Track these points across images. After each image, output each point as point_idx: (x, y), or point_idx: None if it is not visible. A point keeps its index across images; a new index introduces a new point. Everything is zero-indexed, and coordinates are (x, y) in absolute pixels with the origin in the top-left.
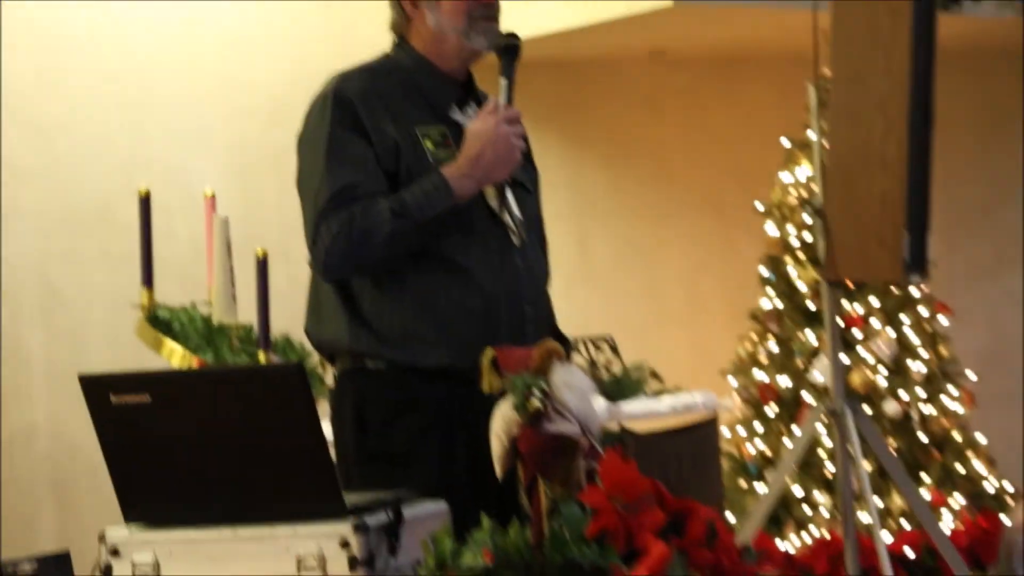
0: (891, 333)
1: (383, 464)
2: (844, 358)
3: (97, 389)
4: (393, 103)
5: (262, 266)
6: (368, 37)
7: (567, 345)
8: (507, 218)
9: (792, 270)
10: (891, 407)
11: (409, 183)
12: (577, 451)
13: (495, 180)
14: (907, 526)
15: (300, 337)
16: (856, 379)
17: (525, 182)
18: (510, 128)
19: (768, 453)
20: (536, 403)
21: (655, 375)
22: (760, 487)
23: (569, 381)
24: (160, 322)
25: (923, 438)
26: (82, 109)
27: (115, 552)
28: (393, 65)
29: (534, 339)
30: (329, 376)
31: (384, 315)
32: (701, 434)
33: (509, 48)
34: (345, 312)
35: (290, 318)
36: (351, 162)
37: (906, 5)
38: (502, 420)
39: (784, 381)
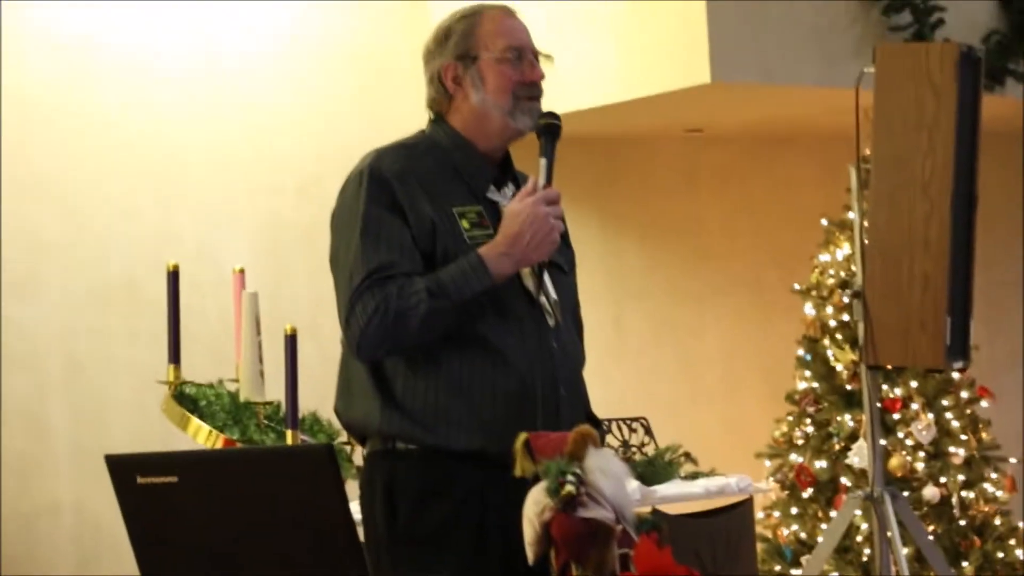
0: (931, 417)
1: (413, 548)
2: (882, 442)
3: (124, 470)
4: (430, 182)
5: (291, 343)
6: (401, 113)
7: (601, 429)
8: (543, 299)
9: (830, 351)
10: (930, 492)
11: (446, 264)
12: (611, 537)
13: (533, 261)
14: None
15: (329, 415)
16: (895, 463)
17: (561, 263)
18: (549, 208)
19: (804, 537)
20: (570, 488)
21: (689, 457)
22: (796, 572)
23: (603, 466)
24: (186, 399)
25: (963, 524)
26: (109, 183)
27: None
28: (430, 143)
29: (568, 423)
30: (358, 456)
31: (416, 396)
32: (735, 517)
33: (549, 128)
34: (377, 393)
35: (319, 396)
36: (387, 241)
37: (951, 87)
38: (535, 505)
39: (821, 464)
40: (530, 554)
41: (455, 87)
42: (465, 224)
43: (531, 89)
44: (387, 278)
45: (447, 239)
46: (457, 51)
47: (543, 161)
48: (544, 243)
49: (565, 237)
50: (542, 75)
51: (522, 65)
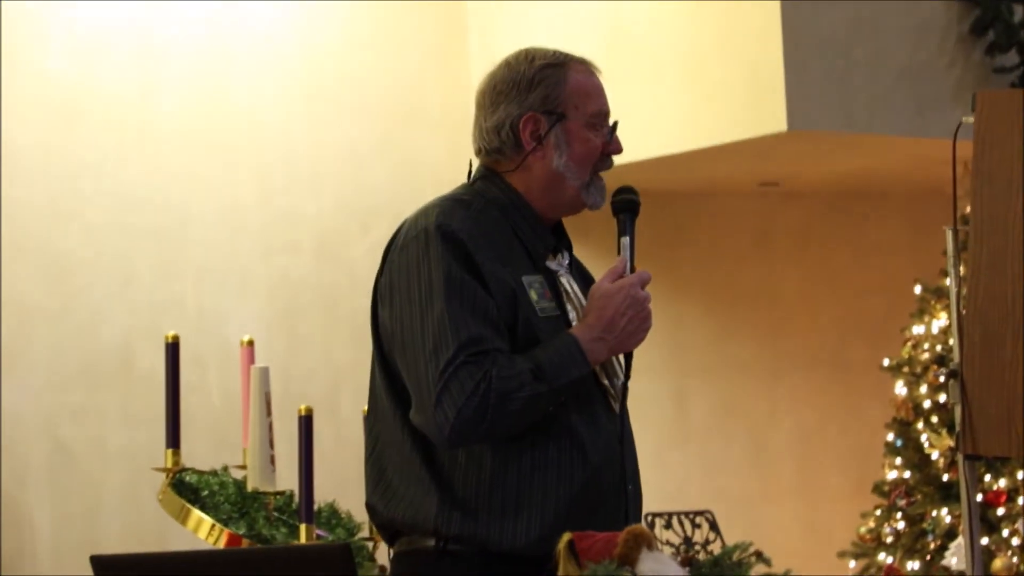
0: None
1: None
2: (984, 541)
3: (113, 572)
4: (498, 246)
5: (306, 424)
6: (432, 161)
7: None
8: (605, 383)
9: (924, 437)
10: None
11: (526, 338)
12: None
13: (628, 348)
14: None
15: (350, 506)
16: (998, 565)
17: None
18: (645, 292)
19: None
20: None
21: (761, 556)
22: None
23: (659, 571)
24: (186, 488)
25: None
26: (101, 243)
27: None
28: (485, 201)
29: (635, 520)
30: (382, 553)
31: (481, 491)
32: None
33: (628, 205)
34: (433, 485)
35: (337, 484)
36: (472, 309)
37: None
38: None
39: (913, 566)
40: None
41: (535, 144)
42: (533, 295)
43: (607, 162)
44: (481, 353)
45: (527, 310)
46: (545, 104)
47: (625, 240)
48: (640, 329)
49: None
50: (621, 148)
51: (603, 133)
